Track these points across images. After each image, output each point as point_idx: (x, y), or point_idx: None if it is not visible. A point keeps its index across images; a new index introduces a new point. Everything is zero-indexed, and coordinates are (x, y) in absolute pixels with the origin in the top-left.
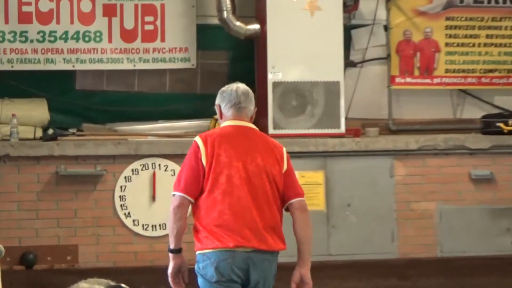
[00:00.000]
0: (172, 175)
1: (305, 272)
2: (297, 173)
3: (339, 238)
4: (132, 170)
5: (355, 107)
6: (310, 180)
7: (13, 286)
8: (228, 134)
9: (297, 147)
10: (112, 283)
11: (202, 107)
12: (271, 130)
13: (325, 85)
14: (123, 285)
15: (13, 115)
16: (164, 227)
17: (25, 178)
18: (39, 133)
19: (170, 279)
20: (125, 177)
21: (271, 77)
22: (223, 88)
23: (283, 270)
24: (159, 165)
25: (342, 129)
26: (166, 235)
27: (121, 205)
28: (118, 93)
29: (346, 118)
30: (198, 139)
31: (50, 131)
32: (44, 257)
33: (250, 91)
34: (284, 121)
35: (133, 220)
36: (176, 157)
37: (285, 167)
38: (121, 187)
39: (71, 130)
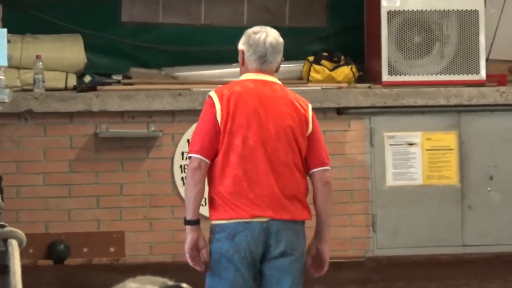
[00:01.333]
0: None
1: (324, 248)
2: (419, 135)
3: (478, 224)
4: None
5: (499, 46)
6: (438, 144)
7: (38, 287)
8: (247, 91)
9: (421, 100)
10: (170, 283)
11: (292, 46)
12: (385, 77)
13: (459, 15)
14: (184, 285)
15: (38, 57)
16: None
17: (53, 142)
18: (73, 81)
19: (187, 256)
20: (188, 140)
21: (385, 5)
22: (250, 31)
23: None
24: None
25: (482, 74)
26: None
27: (182, 178)
28: (178, 27)
29: (487, 60)
30: (213, 94)
31: (87, 79)
32: (79, 248)
33: (280, 40)
34: (403, 64)
35: None
36: None
37: (310, 129)
38: (182, 154)
39: (115, 77)
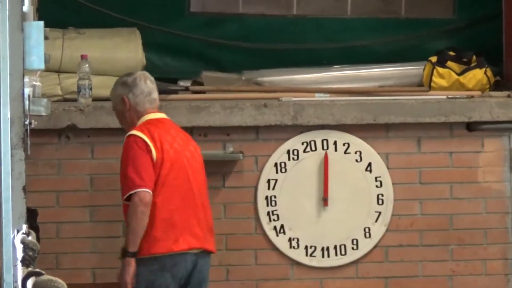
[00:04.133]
0: (357, 160)
1: None
2: None
3: None
4: (288, 151)
5: None
6: None
7: None
8: (163, 127)
9: None
10: None
11: (410, 43)
12: None
13: None
14: None
15: (83, 57)
16: (343, 251)
17: (103, 166)
18: None
19: (129, 287)
20: (276, 165)
21: None
22: (125, 79)
23: None
24: (335, 143)
25: None
26: (346, 266)
27: (268, 213)
28: (263, 19)
29: None
30: (140, 134)
31: None
32: None
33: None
34: None
35: (290, 239)
36: (364, 129)
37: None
38: (268, 181)
39: (182, 83)
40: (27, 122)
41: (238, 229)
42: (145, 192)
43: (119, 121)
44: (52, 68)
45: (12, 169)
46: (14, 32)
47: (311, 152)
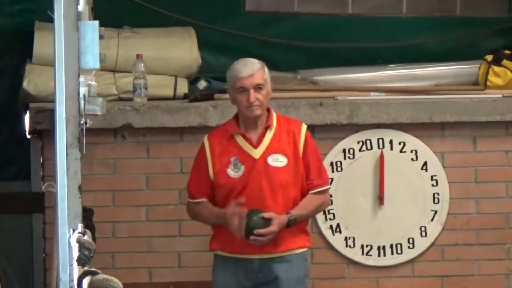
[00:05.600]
0: (412, 158)
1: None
2: None
3: None
4: (344, 150)
5: None
6: None
7: None
8: None
9: None
10: None
11: (465, 41)
12: None
13: None
14: None
15: (139, 57)
16: (399, 250)
17: (159, 165)
18: (184, 87)
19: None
20: (332, 164)
21: None
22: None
23: None
24: (391, 141)
25: None
26: (402, 264)
27: (324, 212)
28: (318, 18)
29: None
30: None
31: (202, 85)
32: None
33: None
34: None
35: (346, 238)
36: (420, 128)
37: None
38: (331, 180)
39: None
40: (82, 122)
41: None
42: None
43: (264, 104)
44: (108, 68)
45: (67, 168)
46: (69, 32)
47: (366, 151)
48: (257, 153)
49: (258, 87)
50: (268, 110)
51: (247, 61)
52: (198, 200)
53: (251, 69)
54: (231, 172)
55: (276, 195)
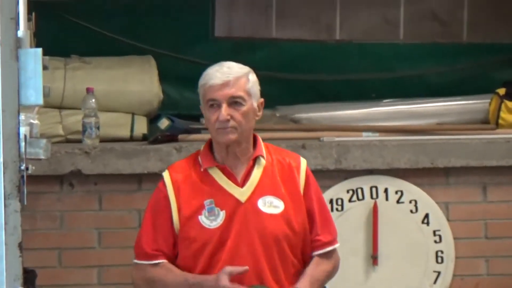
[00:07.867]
0: (412, 210)
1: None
2: None
3: None
4: (331, 201)
5: None
6: None
7: None
8: None
9: None
10: None
11: (473, 71)
12: None
13: None
14: None
15: (90, 91)
16: None
17: (113, 218)
18: (142, 127)
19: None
20: None
21: None
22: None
23: None
24: (386, 190)
25: None
26: None
27: None
28: (300, 45)
29: None
30: None
31: (165, 123)
32: None
33: None
34: None
35: None
36: (420, 174)
37: None
38: None
39: (204, 121)
40: (23, 167)
41: None
42: None
43: (244, 127)
44: (53, 104)
45: (5, 223)
46: (7, 61)
47: (357, 202)
48: (243, 193)
49: (234, 101)
50: (254, 137)
51: (224, 65)
52: (156, 262)
53: (226, 75)
54: (205, 220)
55: (271, 255)
